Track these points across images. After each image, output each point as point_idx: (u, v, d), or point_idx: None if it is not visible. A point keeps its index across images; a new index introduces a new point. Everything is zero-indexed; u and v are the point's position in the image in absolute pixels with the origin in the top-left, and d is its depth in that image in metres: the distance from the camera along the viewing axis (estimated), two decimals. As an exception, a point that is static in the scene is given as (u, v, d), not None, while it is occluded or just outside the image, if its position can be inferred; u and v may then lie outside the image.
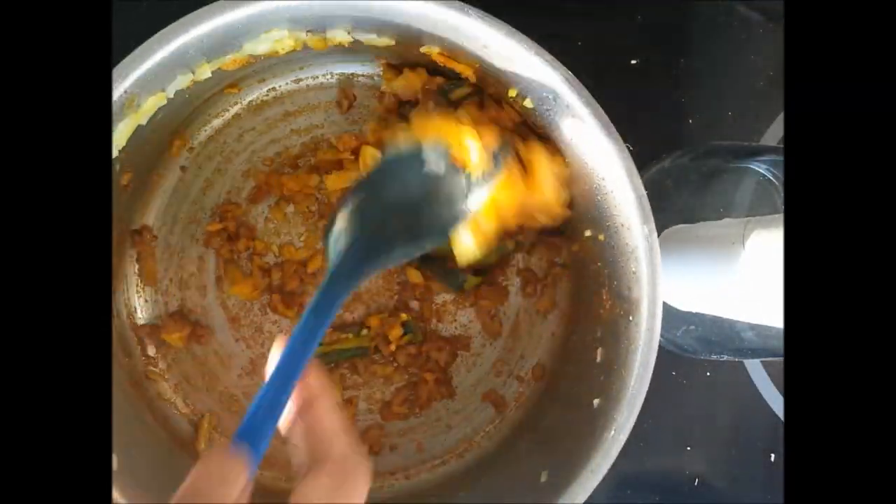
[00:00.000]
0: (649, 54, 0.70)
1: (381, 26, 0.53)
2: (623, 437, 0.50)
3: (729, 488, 0.70)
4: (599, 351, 0.55)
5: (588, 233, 0.56)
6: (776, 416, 0.70)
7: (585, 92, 0.50)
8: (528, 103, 0.53)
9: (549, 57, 0.50)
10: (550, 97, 0.51)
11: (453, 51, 0.53)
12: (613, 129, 0.50)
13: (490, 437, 0.64)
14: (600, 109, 0.50)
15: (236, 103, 0.64)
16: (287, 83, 0.64)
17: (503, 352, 0.66)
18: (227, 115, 0.64)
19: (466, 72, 0.55)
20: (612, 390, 0.51)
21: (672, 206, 0.51)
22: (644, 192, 0.50)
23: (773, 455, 0.71)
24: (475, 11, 0.49)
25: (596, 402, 0.53)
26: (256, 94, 0.64)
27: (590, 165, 0.52)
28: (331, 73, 0.64)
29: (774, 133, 0.71)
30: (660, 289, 0.50)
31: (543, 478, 0.53)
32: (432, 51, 0.54)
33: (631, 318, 0.51)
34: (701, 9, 0.71)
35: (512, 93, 0.53)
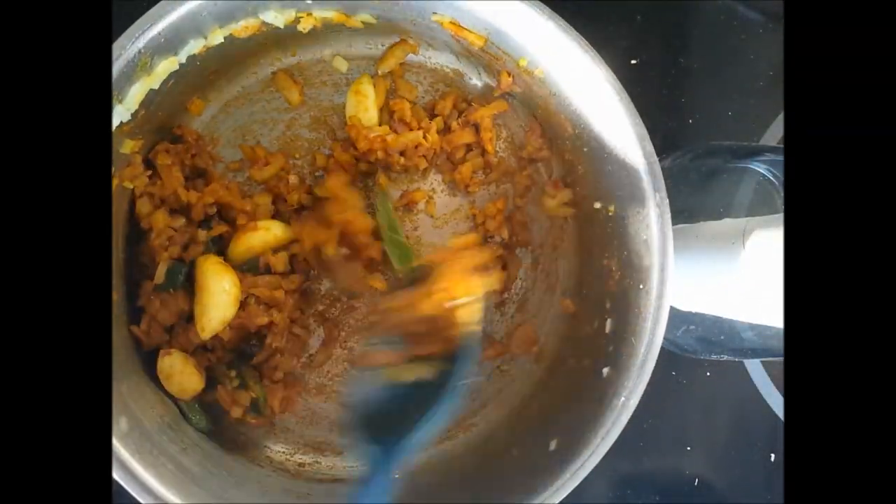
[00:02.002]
0: (649, 54, 0.70)
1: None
2: (633, 403, 0.50)
3: (729, 488, 0.70)
4: (608, 322, 0.55)
5: (597, 205, 0.56)
6: (776, 416, 0.70)
7: (598, 57, 0.50)
8: (539, 73, 0.54)
9: (563, 22, 0.50)
10: (563, 65, 0.52)
11: (464, 19, 0.53)
12: (626, 94, 0.50)
13: (499, 410, 0.64)
14: (612, 75, 0.50)
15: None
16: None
17: (511, 327, 0.66)
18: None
19: (477, 42, 0.55)
20: (621, 359, 0.52)
21: (672, 206, 0.51)
22: (655, 158, 0.50)
23: (773, 455, 0.71)
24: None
25: (605, 371, 0.53)
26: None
27: (601, 134, 0.53)
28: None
29: (774, 133, 0.71)
30: (670, 255, 0.50)
31: (552, 446, 0.53)
32: (444, 19, 0.54)
33: (641, 286, 0.52)
34: (701, 9, 0.72)
35: (522, 62, 0.54)
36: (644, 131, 0.50)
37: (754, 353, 0.61)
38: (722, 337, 0.59)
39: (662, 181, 0.50)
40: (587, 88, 0.51)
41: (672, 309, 0.58)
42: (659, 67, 0.71)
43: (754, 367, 0.70)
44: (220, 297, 0.56)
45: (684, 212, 0.57)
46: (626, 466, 0.70)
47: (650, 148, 0.50)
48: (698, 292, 0.55)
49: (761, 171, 0.59)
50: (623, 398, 0.50)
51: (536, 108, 0.61)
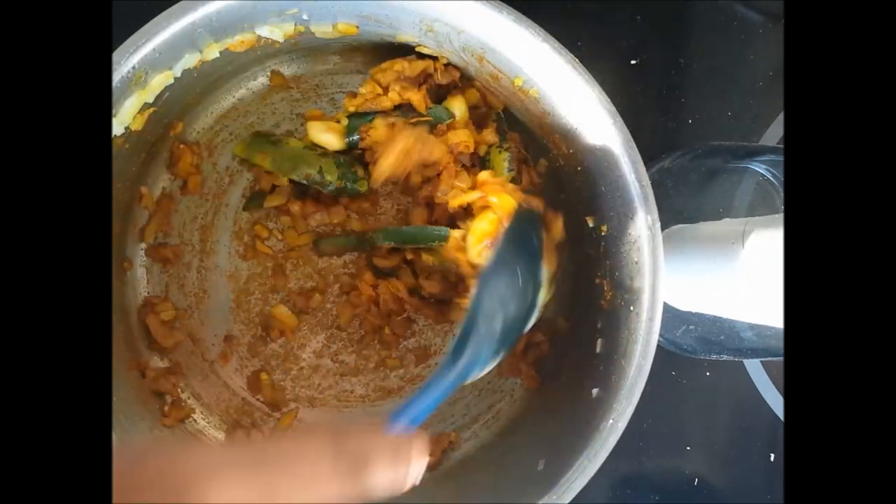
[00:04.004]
0: (649, 54, 0.70)
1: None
2: (621, 426, 0.50)
3: (729, 488, 0.70)
4: (599, 342, 0.55)
5: (590, 223, 0.56)
6: (776, 416, 0.70)
7: (592, 80, 0.50)
8: (533, 93, 0.54)
9: (557, 44, 0.50)
10: (557, 86, 0.52)
11: (461, 38, 0.53)
12: (619, 118, 0.50)
13: (487, 427, 0.64)
14: (607, 98, 0.51)
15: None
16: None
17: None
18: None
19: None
20: (611, 380, 0.52)
21: (672, 206, 0.51)
22: (648, 182, 0.50)
23: (773, 455, 0.71)
24: (483, -1, 0.49)
25: (595, 391, 0.53)
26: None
27: (595, 155, 0.53)
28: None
29: (774, 133, 0.71)
30: (661, 279, 0.50)
31: (541, 466, 0.53)
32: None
33: (632, 308, 0.51)
34: (701, 9, 0.71)
35: (518, 81, 0.54)
36: (637, 154, 0.50)
37: (754, 353, 0.61)
38: (721, 337, 0.59)
39: (654, 205, 0.50)
40: (581, 111, 0.52)
41: (671, 309, 0.58)
42: (659, 67, 0.71)
43: (754, 367, 0.70)
44: None
45: (684, 212, 0.57)
46: (626, 466, 0.70)
47: (643, 171, 0.50)
48: (698, 292, 0.55)
49: (761, 171, 0.59)
50: (611, 420, 0.50)
51: (533, 128, 0.61)
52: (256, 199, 0.64)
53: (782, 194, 0.58)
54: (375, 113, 0.60)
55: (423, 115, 0.60)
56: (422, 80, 0.60)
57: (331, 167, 0.60)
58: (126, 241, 0.62)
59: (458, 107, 0.61)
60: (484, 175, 0.57)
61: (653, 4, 0.71)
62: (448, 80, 0.60)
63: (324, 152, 0.61)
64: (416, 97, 0.59)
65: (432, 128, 0.60)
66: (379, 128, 0.59)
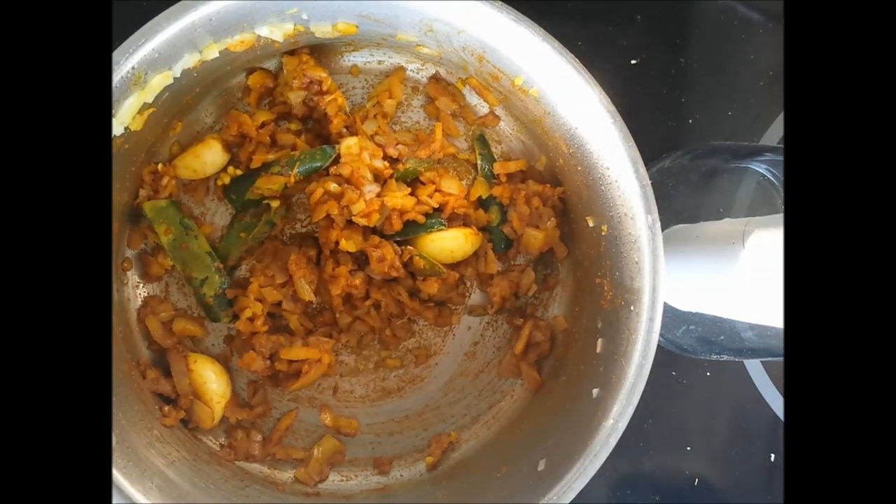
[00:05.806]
0: (649, 54, 0.70)
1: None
2: (622, 426, 0.50)
3: (729, 488, 0.70)
4: (600, 342, 0.55)
5: (591, 223, 0.56)
6: (776, 416, 0.70)
7: (592, 79, 0.51)
8: (534, 92, 0.54)
9: (558, 44, 0.50)
10: (558, 85, 0.52)
11: (461, 38, 0.53)
12: (619, 117, 0.51)
13: (487, 427, 0.64)
14: (607, 98, 0.51)
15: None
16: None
17: (502, 343, 0.66)
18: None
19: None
20: (611, 380, 0.52)
21: (672, 206, 0.51)
22: (648, 182, 0.51)
23: (773, 455, 0.71)
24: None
25: (595, 391, 0.53)
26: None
27: (595, 154, 0.53)
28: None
29: (774, 133, 0.71)
30: (661, 278, 0.51)
31: (541, 466, 0.53)
32: None
33: (632, 308, 0.52)
34: (701, 9, 0.72)
35: (518, 81, 0.54)
36: (637, 154, 0.51)
37: (754, 353, 0.62)
38: (722, 337, 0.59)
39: (655, 204, 0.50)
40: (581, 110, 0.52)
41: (672, 309, 0.58)
42: (659, 67, 0.71)
43: (754, 367, 0.70)
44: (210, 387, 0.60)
45: (684, 212, 0.57)
46: (626, 466, 0.70)
47: (643, 171, 0.51)
48: (698, 292, 0.55)
49: (761, 171, 0.59)
50: (612, 420, 0.50)
51: (533, 127, 0.61)
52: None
53: (782, 194, 0.58)
54: (257, 171, 0.61)
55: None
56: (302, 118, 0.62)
57: (214, 284, 0.61)
58: (125, 241, 0.62)
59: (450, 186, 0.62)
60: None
61: (653, 4, 0.71)
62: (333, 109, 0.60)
63: (218, 267, 0.61)
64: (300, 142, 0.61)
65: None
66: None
